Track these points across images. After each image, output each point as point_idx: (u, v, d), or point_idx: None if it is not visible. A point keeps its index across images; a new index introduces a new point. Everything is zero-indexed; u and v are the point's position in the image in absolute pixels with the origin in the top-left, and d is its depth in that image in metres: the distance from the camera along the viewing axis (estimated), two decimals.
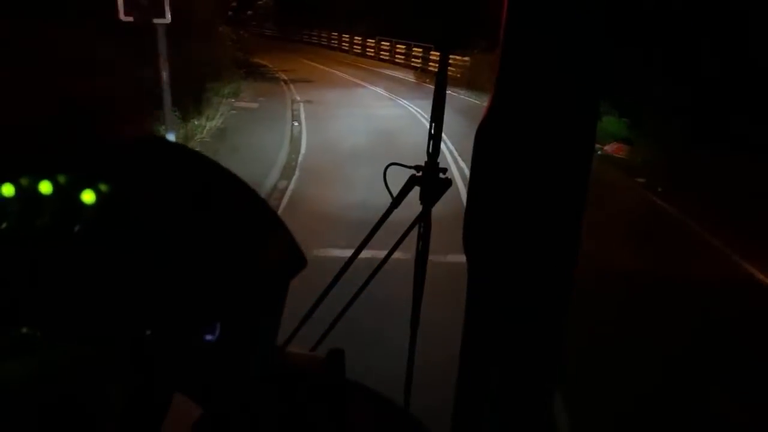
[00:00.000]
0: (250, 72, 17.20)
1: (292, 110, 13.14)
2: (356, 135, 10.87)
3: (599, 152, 10.96)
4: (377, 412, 0.98)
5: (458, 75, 18.74)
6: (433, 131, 1.13)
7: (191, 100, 9.81)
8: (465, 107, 13.91)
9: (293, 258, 0.65)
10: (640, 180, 8.95)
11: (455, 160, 9.18)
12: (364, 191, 7.03)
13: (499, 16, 0.83)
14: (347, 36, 29.21)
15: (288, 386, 0.72)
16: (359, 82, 18.89)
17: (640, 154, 10.16)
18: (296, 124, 11.73)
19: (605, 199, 7.56)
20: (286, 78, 18.37)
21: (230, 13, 16.10)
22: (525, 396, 1.01)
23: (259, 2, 19.53)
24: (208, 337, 0.56)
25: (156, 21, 6.32)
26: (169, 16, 6.25)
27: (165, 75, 6.48)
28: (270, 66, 21.00)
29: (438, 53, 1.18)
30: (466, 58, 18.75)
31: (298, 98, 14.81)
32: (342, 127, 11.63)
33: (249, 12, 17.80)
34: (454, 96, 16.39)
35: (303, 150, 9.73)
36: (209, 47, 12.85)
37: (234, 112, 12.18)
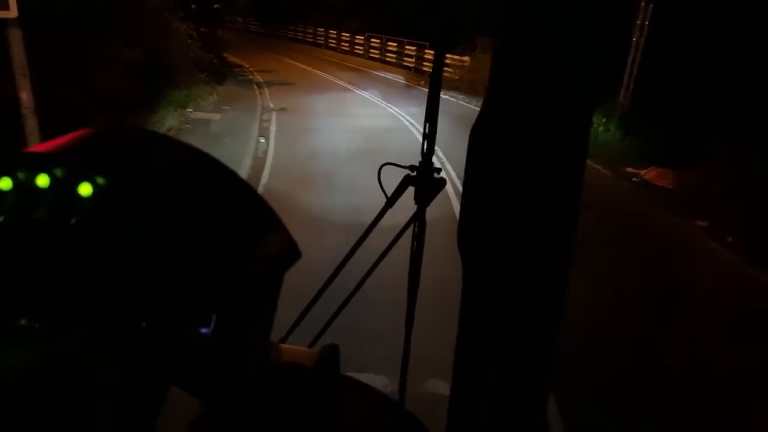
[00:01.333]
0: (219, 74, 15.09)
1: (261, 122, 11.05)
2: (335, 155, 8.83)
3: (634, 179, 8.92)
4: (372, 407, 0.97)
5: (456, 77, 16.77)
6: (427, 131, 1.20)
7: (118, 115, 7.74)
8: (463, 115, 11.82)
9: (287, 250, 0.63)
10: (701, 223, 6.83)
11: (458, 193, 7.10)
12: (341, 247, 4.97)
13: (500, 14, 0.83)
14: (334, 32, 27.26)
15: (282, 380, 0.72)
16: (344, 84, 16.79)
17: (691, 182, 8.01)
18: (263, 140, 9.65)
19: (670, 266, 5.52)
20: (261, 80, 16.24)
21: (193, 6, 13.93)
22: (520, 396, 1.02)
23: None
24: (204, 330, 0.55)
25: None
26: (15, 9, 4.09)
27: (26, 95, 4.36)
28: (246, 66, 18.92)
29: (433, 52, 1.21)
30: (465, 58, 16.77)
31: (272, 106, 12.72)
32: (319, 145, 9.55)
33: (216, 5, 15.59)
34: (451, 101, 14.38)
35: (265, 179, 7.66)
36: (160, 46, 10.74)
37: (188, 126, 10.04)
